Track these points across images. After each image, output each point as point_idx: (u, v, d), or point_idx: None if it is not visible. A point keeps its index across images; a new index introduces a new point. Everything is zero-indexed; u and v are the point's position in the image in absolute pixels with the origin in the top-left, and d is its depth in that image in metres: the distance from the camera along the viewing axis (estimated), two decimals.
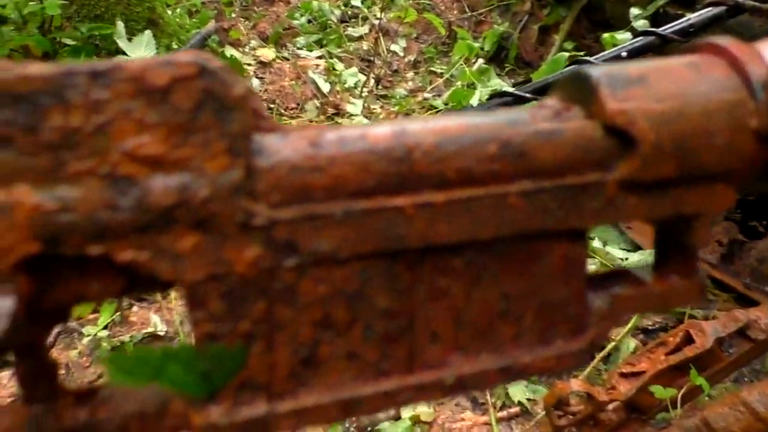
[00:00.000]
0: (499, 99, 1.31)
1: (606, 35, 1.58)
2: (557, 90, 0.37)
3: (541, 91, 1.26)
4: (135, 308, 1.17)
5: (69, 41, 1.90)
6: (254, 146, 0.30)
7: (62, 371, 1.04)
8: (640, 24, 1.62)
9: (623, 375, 0.87)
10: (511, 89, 1.30)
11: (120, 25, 1.81)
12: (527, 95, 1.24)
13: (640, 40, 1.22)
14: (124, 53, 1.79)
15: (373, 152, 0.31)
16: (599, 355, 1.08)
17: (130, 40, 1.81)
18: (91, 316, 1.17)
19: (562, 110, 0.35)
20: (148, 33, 1.82)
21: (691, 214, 0.36)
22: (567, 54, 1.71)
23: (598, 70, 0.34)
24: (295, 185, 0.30)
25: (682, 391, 0.84)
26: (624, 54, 1.18)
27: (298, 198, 0.31)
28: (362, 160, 0.31)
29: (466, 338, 0.35)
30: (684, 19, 1.19)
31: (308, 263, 0.31)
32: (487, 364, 0.35)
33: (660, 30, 1.18)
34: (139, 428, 0.32)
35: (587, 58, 1.26)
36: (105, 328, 1.11)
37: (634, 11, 1.61)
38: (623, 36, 1.52)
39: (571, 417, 0.90)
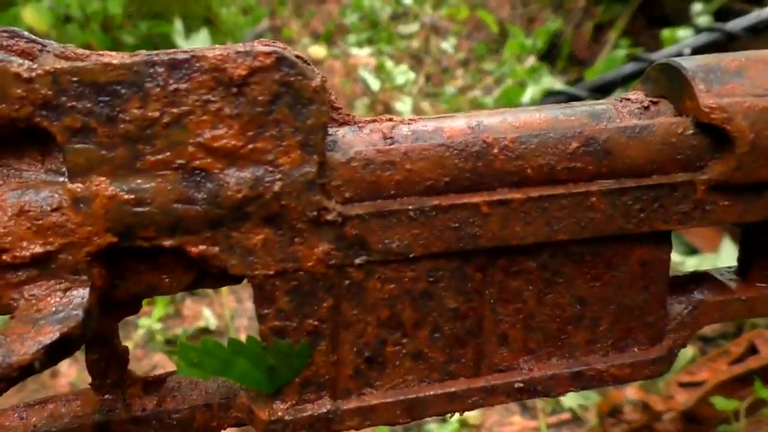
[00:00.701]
0: (552, 98, 1.29)
1: (666, 31, 1.53)
2: (645, 82, 0.34)
3: (598, 90, 1.23)
4: (188, 302, 1.20)
5: (129, 39, 1.96)
6: (328, 140, 0.29)
7: None
8: (703, 20, 1.56)
9: (682, 384, 0.84)
10: (563, 87, 1.27)
11: (178, 23, 1.85)
12: (582, 94, 1.21)
13: (705, 37, 1.17)
14: None
15: (449, 147, 0.30)
16: None
17: (187, 38, 1.85)
18: (146, 309, 1.21)
19: (650, 104, 0.33)
20: (204, 31, 1.86)
21: None
22: (623, 52, 1.66)
23: (691, 62, 0.32)
24: (367, 180, 0.30)
25: (746, 403, 0.80)
26: (687, 51, 1.14)
27: (371, 193, 0.30)
28: (437, 155, 0.30)
29: (536, 342, 0.34)
30: (752, 14, 1.14)
31: (377, 261, 0.30)
32: (558, 369, 0.34)
33: (726, 26, 1.14)
34: (205, 419, 0.33)
35: (646, 55, 1.22)
36: (159, 320, 1.14)
37: (697, 7, 1.55)
38: (684, 32, 1.46)
39: (625, 425, 0.88)
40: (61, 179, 0.28)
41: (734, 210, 0.33)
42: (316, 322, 0.31)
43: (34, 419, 0.30)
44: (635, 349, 0.35)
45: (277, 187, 0.28)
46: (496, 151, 0.31)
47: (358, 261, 0.30)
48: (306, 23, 2.39)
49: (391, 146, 0.30)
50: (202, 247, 0.29)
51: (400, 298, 0.32)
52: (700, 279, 0.37)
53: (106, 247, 0.28)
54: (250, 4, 2.29)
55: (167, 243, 0.28)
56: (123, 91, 0.27)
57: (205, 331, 1.12)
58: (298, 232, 0.29)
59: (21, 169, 0.28)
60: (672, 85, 0.33)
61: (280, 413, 0.32)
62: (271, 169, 0.28)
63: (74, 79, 0.26)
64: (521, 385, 0.34)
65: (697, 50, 1.14)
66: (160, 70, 0.27)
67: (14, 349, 0.25)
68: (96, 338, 0.31)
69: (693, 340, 1.11)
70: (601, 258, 0.33)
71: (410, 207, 0.30)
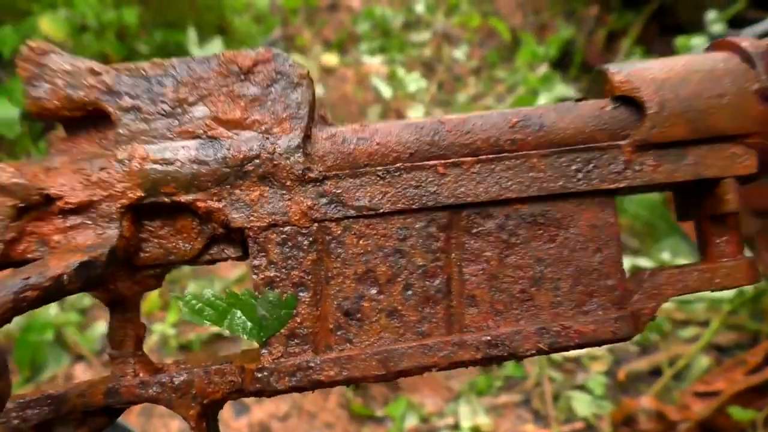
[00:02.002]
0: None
1: (680, 39, 1.52)
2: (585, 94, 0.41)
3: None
4: None
5: (143, 48, 1.98)
6: (316, 126, 0.37)
7: None
8: (717, 28, 1.56)
9: (697, 394, 0.83)
10: (578, 95, 1.27)
11: (192, 33, 1.87)
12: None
13: None
14: None
15: (411, 126, 0.37)
16: (669, 373, 1.04)
17: (200, 46, 1.87)
18: (160, 314, 1.21)
19: (579, 100, 0.39)
20: (217, 40, 1.87)
21: (713, 177, 0.37)
22: (638, 59, 1.66)
23: (614, 65, 0.39)
24: (343, 151, 0.36)
25: (763, 413, 0.79)
26: None
27: (347, 163, 0.36)
28: (401, 132, 0.37)
29: (503, 304, 0.37)
30: (767, 22, 1.14)
31: (353, 217, 0.36)
32: (525, 327, 0.37)
33: (740, 34, 1.13)
34: (203, 384, 0.36)
35: None
36: (172, 326, 1.15)
37: (711, 15, 1.54)
38: (699, 40, 1.46)
39: None
40: (110, 151, 0.36)
41: (662, 170, 0.38)
42: (301, 274, 0.36)
43: (50, 390, 0.36)
44: (599, 311, 0.38)
45: (271, 149, 0.36)
46: (448, 128, 0.37)
47: (335, 214, 0.36)
48: (318, 32, 2.41)
49: (364, 127, 0.37)
50: (209, 203, 0.36)
51: (374, 254, 0.37)
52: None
53: (136, 200, 0.35)
54: (263, 12, 2.31)
55: (183, 198, 0.35)
56: (164, 81, 0.36)
57: (218, 337, 1.13)
58: (287, 189, 0.36)
59: (83, 145, 0.37)
60: (596, 82, 0.39)
61: (266, 363, 0.36)
62: (267, 136, 0.36)
63: (128, 73, 0.36)
64: (488, 338, 0.37)
65: None
66: (191, 64, 0.36)
67: (50, 265, 0.32)
68: (119, 303, 0.37)
69: (708, 350, 1.09)
70: (552, 220, 0.38)
71: (378, 168, 0.36)
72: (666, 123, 0.37)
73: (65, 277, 0.32)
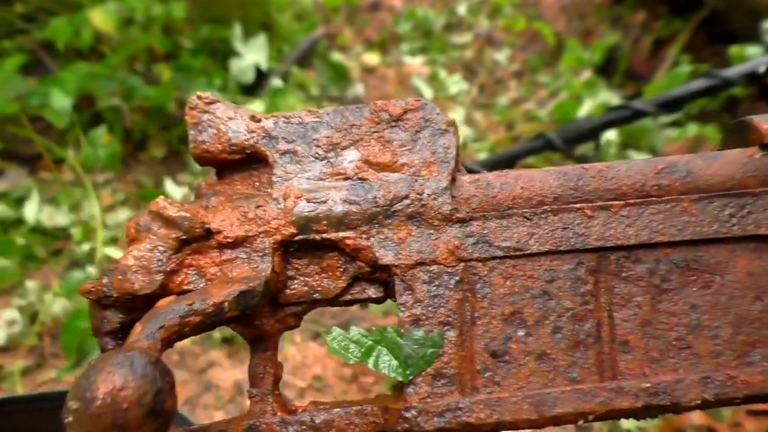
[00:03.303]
0: (617, 112, 1.27)
1: (734, 48, 1.48)
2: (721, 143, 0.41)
3: (665, 106, 1.21)
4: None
5: (188, 43, 2.00)
6: (459, 175, 0.38)
7: (175, 357, 1.09)
8: None
9: (751, 412, 0.81)
10: (629, 102, 1.25)
11: (237, 28, 1.89)
12: (648, 109, 1.19)
13: None
14: (238, 55, 1.87)
15: (553, 172, 0.38)
16: None
17: (245, 42, 1.88)
18: None
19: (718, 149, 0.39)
20: (262, 36, 1.89)
21: None
22: (687, 68, 1.63)
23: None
24: (488, 195, 0.37)
25: None
26: (762, 67, 1.10)
27: (491, 206, 0.37)
28: (544, 177, 0.38)
29: (658, 351, 0.35)
30: None
31: (499, 257, 0.36)
32: (685, 375, 0.35)
33: None
34: (343, 424, 0.36)
35: (716, 71, 1.19)
36: None
37: (767, 25, 1.51)
38: (754, 50, 1.42)
39: None
40: (265, 191, 0.39)
41: None
42: (447, 313, 0.36)
43: (194, 426, 0.37)
44: (765, 363, 0.35)
45: (419, 190, 0.37)
46: (592, 173, 0.37)
47: (482, 255, 0.36)
48: (359, 31, 2.41)
49: (506, 173, 0.38)
50: (358, 240, 0.37)
51: (521, 295, 0.36)
52: None
53: (289, 236, 0.37)
54: (306, 10, 2.33)
55: (333, 236, 0.37)
56: (319, 127, 0.39)
57: None
58: (434, 228, 0.37)
59: (237, 187, 0.39)
60: (737, 133, 0.39)
61: (413, 402, 0.35)
62: (415, 178, 0.38)
63: (285, 120, 0.39)
64: (648, 385, 0.35)
65: None
66: (345, 113, 0.39)
67: (212, 293, 0.34)
68: (260, 340, 0.38)
69: None
70: (705, 266, 0.36)
71: (525, 210, 0.37)
72: None
73: (226, 304, 0.33)
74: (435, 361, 0.35)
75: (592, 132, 1.16)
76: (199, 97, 0.39)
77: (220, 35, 1.95)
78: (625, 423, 0.97)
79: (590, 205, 0.36)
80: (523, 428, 0.35)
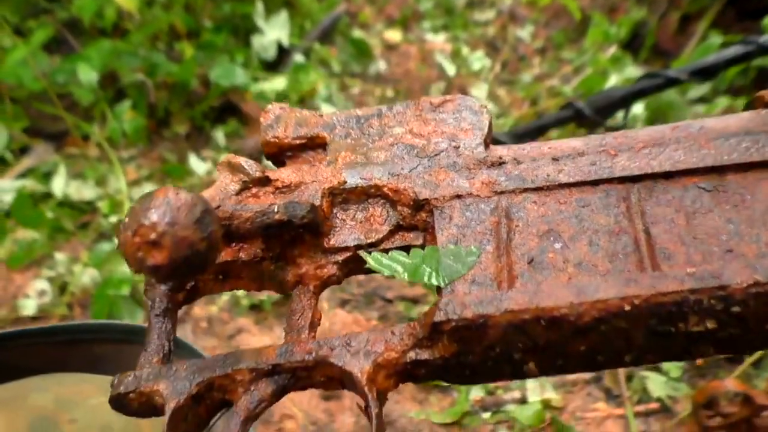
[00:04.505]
0: (650, 80, 1.25)
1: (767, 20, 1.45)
2: None
3: (699, 73, 1.18)
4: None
5: (209, 22, 2.00)
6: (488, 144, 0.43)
7: (204, 324, 1.10)
8: None
9: None
10: (662, 70, 1.23)
11: (259, 5, 1.88)
12: (682, 77, 1.16)
13: None
14: (260, 32, 1.86)
15: (577, 138, 0.41)
16: (750, 359, 1.00)
17: (267, 19, 1.88)
18: None
19: None
20: (284, 13, 1.88)
21: None
22: (718, 40, 1.59)
23: None
24: (518, 151, 0.42)
25: None
26: None
27: (522, 157, 0.41)
28: (569, 141, 0.42)
29: (701, 254, 0.35)
30: None
31: (531, 189, 0.39)
32: (734, 265, 0.34)
33: None
34: (377, 340, 0.37)
35: (753, 38, 1.16)
36: None
37: None
38: None
39: (721, 419, 0.84)
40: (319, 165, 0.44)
41: None
42: (484, 231, 0.38)
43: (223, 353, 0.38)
44: None
45: (456, 144, 0.42)
46: (615, 135, 0.41)
47: (515, 187, 0.39)
48: (380, 8, 2.39)
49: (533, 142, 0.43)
50: (399, 184, 0.41)
51: (555, 217, 0.38)
52: None
53: (337, 185, 0.42)
54: None
55: (377, 181, 0.42)
56: (370, 117, 0.45)
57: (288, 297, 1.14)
58: (470, 170, 0.41)
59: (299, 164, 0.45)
60: (753, 106, 0.41)
61: (451, 296, 0.36)
62: (453, 139, 0.43)
63: (343, 115, 0.45)
64: (694, 270, 0.34)
65: None
66: (394, 107, 0.45)
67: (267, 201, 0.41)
68: (301, 286, 0.41)
69: None
70: (733, 190, 0.37)
71: (554, 156, 0.40)
72: None
73: (275, 206, 0.38)
74: (473, 269, 0.36)
75: (623, 100, 1.13)
76: (273, 104, 0.46)
77: (241, 12, 1.94)
78: (656, 391, 0.97)
79: (613, 146, 0.39)
80: (564, 316, 0.34)
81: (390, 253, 0.39)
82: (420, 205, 0.40)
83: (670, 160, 0.38)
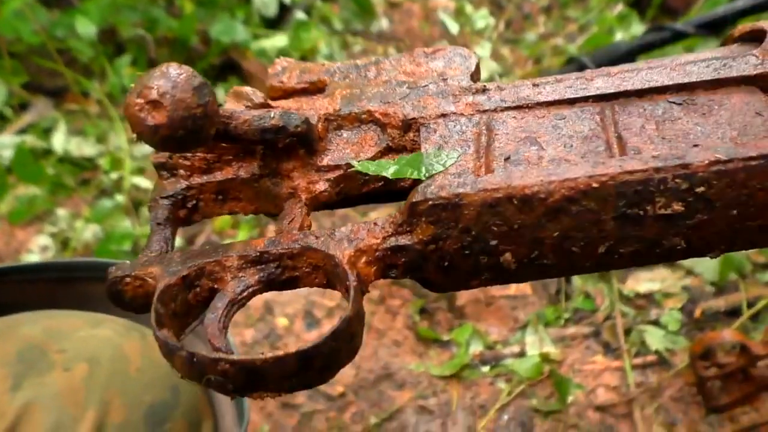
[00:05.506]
0: (656, 33, 1.23)
1: None
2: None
3: (706, 26, 1.16)
4: (271, 226, 1.22)
5: None
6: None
7: None
8: None
9: None
10: (669, 24, 1.21)
11: None
12: (689, 30, 1.14)
13: None
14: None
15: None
16: (748, 313, 1.01)
17: None
18: (230, 231, 1.24)
19: None
20: None
21: None
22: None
23: None
24: (500, 86, 0.44)
25: None
26: None
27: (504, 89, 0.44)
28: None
29: (668, 149, 0.37)
30: None
31: (512, 107, 0.42)
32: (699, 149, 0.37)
33: None
34: (360, 230, 0.39)
35: None
36: None
37: None
38: None
39: (717, 369, 0.85)
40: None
41: None
42: (465, 138, 0.41)
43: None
44: None
45: (444, 76, 0.45)
46: (592, 70, 0.44)
47: (497, 106, 0.42)
48: None
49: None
50: (389, 109, 0.43)
51: (533, 127, 0.41)
52: None
53: (332, 111, 0.45)
54: None
55: (369, 106, 0.44)
56: (369, 65, 0.48)
57: None
58: (455, 96, 0.44)
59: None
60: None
61: (430, 182, 0.38)
62: (441, 75, 0.46)
63: (343, 65, 0.49)
64: (658, 153, 0.36)
65: None
66: (391, 57, 0.48)
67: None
68: (293, 197, 0.44)
69: None
70: (703, 102, 0.39)
71: (533, 83, 0.43)
72: None
73: (272, 112, 0.40)
74: (453, 166, 0.39)
75: (628, 55, 1.12)
76: (280, 58, 0.49)
77: None
78: (654, 344, 0.98)
79: (590, 75, 0.42)
80: (535, 194, 0.36)
81: (377, 161, 0.43)
82: (408, 125, 0.43)
83: (642, 80, 0.40)
